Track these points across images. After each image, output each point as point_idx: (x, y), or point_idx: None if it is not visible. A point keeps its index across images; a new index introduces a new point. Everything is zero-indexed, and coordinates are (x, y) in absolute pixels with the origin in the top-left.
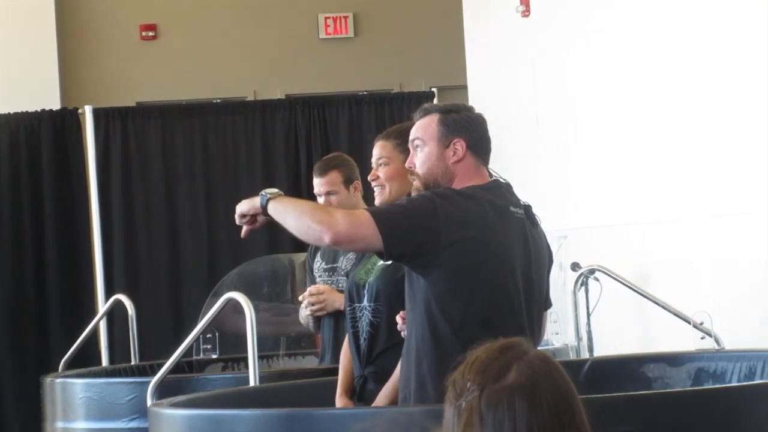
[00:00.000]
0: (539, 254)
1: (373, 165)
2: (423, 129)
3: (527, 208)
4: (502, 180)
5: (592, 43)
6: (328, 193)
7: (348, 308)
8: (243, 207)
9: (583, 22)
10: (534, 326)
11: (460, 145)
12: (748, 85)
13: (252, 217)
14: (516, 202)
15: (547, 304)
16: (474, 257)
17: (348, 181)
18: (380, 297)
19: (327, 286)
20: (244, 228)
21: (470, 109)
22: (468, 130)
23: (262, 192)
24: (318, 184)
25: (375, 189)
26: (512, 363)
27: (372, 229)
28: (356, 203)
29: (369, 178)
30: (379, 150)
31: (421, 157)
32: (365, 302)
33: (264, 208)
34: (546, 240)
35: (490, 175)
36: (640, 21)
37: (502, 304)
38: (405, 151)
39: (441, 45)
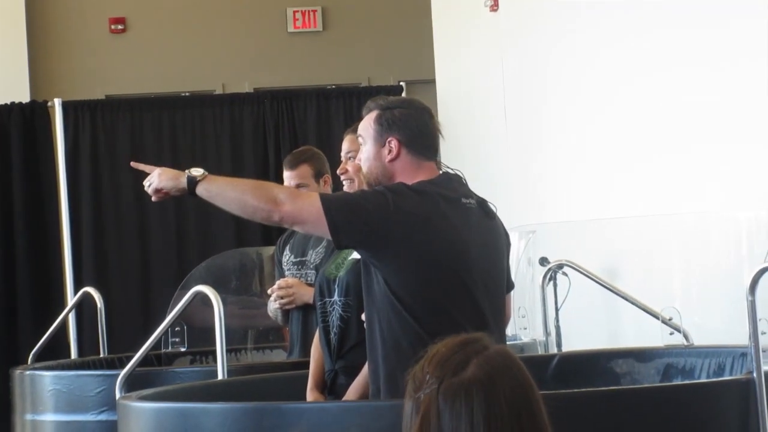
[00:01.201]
0: (496, 243)
1: (342, 158)
2: (364, 127)
3: (481, 201)
4: (451, 171)
5: (560, 38)
6: (298, 186)
7: (318, 302)
8: (164, 183)
9: (551, 16)
10: (496, 313)
11: (394, 144)
12: (716, 80)
13: (166, 193)
14: (467, 193)
15: (509, 286)
16: (427, 248)
17: (318, 175)
18: (350, 291)
19: (296, 279)
20: (154, 197)
21: (409, 104)
22: (402, 127)
23: (188, 173)
24: (288, 177)
25: (344, 183)
26: (471, 357)
27: (318, 214)
28: None
29: (338, 171)
30: (348, 144)
31: (362, 156)
32: (336, 296)
33: (191, 189)
34: (504, 228)
35: (439, 168)
36: (608, 15)
37: (459, 292)
38: None
39: (409, 39)
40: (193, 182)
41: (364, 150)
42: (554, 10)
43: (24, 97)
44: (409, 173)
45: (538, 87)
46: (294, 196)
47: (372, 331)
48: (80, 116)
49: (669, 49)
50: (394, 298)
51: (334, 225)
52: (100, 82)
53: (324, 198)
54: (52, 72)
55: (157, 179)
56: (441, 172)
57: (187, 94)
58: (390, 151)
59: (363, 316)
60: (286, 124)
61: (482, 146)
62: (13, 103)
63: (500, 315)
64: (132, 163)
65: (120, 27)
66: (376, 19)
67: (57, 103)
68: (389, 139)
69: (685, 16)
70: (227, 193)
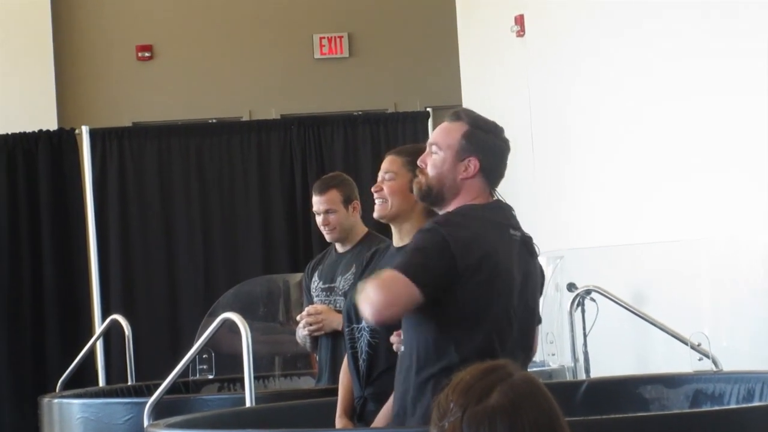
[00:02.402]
0: (534, 279)
1: (379, 177)
2: (444, 135)
3: (527, 238)
4: (503, 202)
5: (586, 63)
6: (327, 211)
7: (346, 329)
8: None
9: (577, 41)
10: (525, 346)
11: (473, 164)
12: (742, 109)
13: None
14: (515, 225)
15: (537, 319)
16: (486, 276)
17: (347, 201)
18: None
19: (324, 306)
20: None
21: (497, 132)
22: (487, 152)
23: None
24: (317, 202)
25: (376, 201)
26: (495, 385)
27: (405, 284)
28: (354, 223)
29: (373, 189)
30: (387, 164)
31: (434, 161)
32: (364, 323)
33: None
34: (540, 267)
35: (493, 197)
36: (635, 42)
37: (504, 322)
38: (413, 170)
39: (436, 65)
40: None
41: (438, 156)
42: (580, 36)
43: (51, 124)
44: (472, 195)
45: (564, 111)
46: (377, 284)
47: (409, 354)
48: (107, 144)
49: (696, 75)
50: (442, 320)
51: (424, 287)
52: (127, 110)
53: (401, 268)
54: (79, 99)
55: None
56: (494, 199)
57: (214, 120)
58: (466, 169)
59: (395, 341)
60: (313, 151)
61: (509, 171)
62: (40, 131)
63: (529, 349)
64: None
65: (147, 54)
66: (402, 45)
67: (84, 130)
68: (470, 159)
69: (710, 43)
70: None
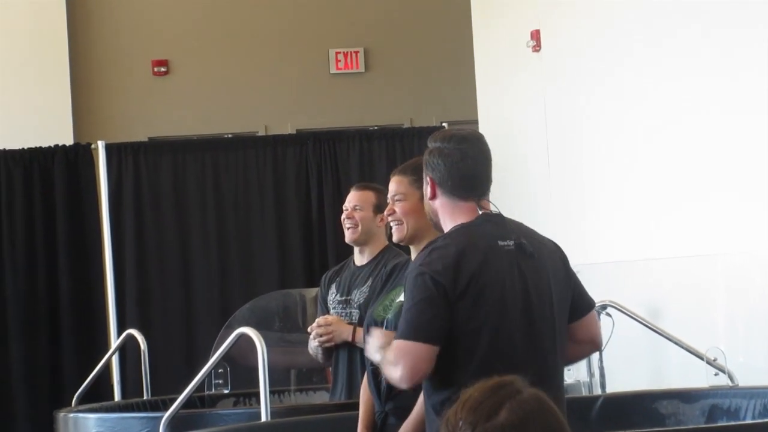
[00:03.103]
0: (538, 282)
1: (389, 200)
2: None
3: (519, 243)
4: (493, 211)
5: (602, 78)
6: (354, 207)
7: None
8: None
9: (593, 56)
10: (543, 351)
11: (430, 184)
12: (758, 126)
13: None
14: (505, 235)
15: (585, 307)
16: (472, 300)
17: (378, 209)
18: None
19: (335, 316)
20: None
21: (452, 141)
22: (435, 167)
23: None
24: (351, 197)
25: (392, 225)
26: (504, 402)
27: (416, 348)
28: (377, 232)
29: (386, 213)
30: (395, 186)
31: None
32: None
33: None
34: (559, 255)
35: (481, 208)
36: (652, 56)
37: (503, 339)
38: (421, 187)
39: (451, 80)
40: None
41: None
42: (596, 51)
43: (68, 139)
44: (448, 213)
45: (580, 127)
46: (392, 358)
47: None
48: (123, 158)
49: (713, 92)
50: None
51: (433, 340)
52: (143, 125)
53: (404, 335)
54: (95, 115)
55: None
56: (481, 212)
57: (229, 135)
58: (428, 192)
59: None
60: (329, 166)
61: (525, 186)
62: (56, 146)
63: (551, 352)
64: None
65: (163, 69)
66: (418, 60)
67: (100, 145)
68: (428, 179)
69: (729, 59)
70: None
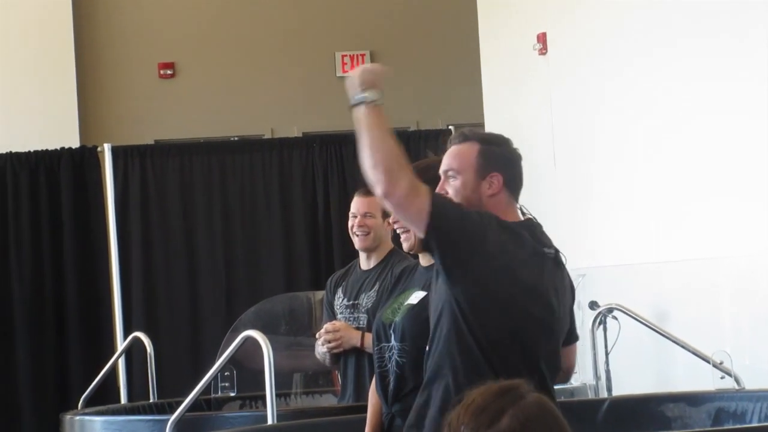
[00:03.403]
0: (564, 294)
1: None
2: (460, 158)
3: (557, 252)
4: (534, 219)
5: (609, 81)
6: (365, 214)
7: (375, 348)
8: (358, 74)
9: (600, 59)
10: (551, 363)
11: (496, 180)
12: (764, 129)
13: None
14: (547, 242)
15: (573, 337)
16: (508, 282)
17: (385, 213)
18: (406, 337)
19: (343, 322)
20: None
21: (509, 144)
22: (506, 166)
23: (367, 92)
24: (359, 203)
25: (400, 233)
26: (507, 408)
27: (424, 210)
28: (385, 237)
29: (391, 219)
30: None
31: (455, 186)
32: (393, 341)
33: (357, 102)
34: (570, 278)
35: (523, 213)
36: (658, 59)
37: (523, 334)
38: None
39: (458, 82)
40: (360, 100)
41: (456, 181)
42: (603, 54)
43: (74, 142)
44: (501, 212)
45: (587, 130)
46: (414, 184)
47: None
48: (130, 161)
49: (719, 95)
50: (462, 320)
51: (433, 227)
52: (149, 127)
53: (435, 195)
54: (101, 117)
55: (359, 72)
56: (524, 218)
57: (236, 138)
58: (491, 186)
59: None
60: (335, 168)
61: (531, 189)
62: (63, 149)
63: (555, 365)
64: None
65: (169, 72)
66: (424, 63)
67: (107, 148)
68: (493, 175)
69: (736, 63)
70: (374, 132)
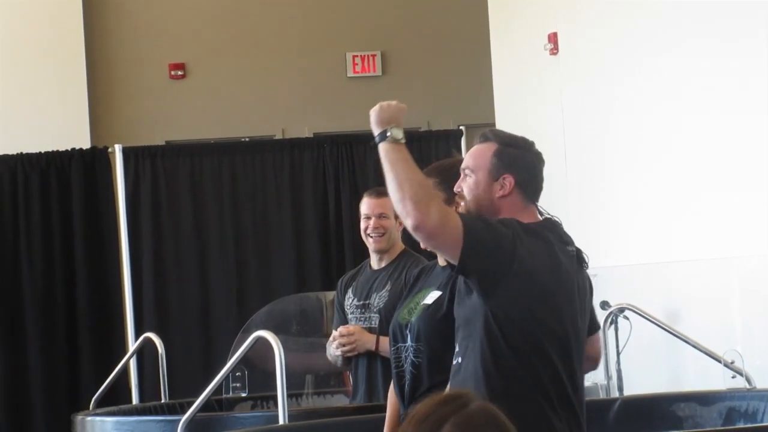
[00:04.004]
0: (585, 291)
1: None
2: (476, 157)
3: (579, 250)
4: (554, 218)
5: (620, 81)
6: (380, 215)
7: (393, 348)
8: (379, 112)
9: (611, 59)
10: (581, 358)
11: (508, 182)
12: None
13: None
14: (569, 240)
15: (595, 325)
16: (540, 288)
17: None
18: (421, 337)
19: (357, 326)
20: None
21: (526, 146)
22: (520, 168)
23: (391, 130)
24: (373, 205)
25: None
26: (448, 417)
27: (457, 237)
28: (397, 238)
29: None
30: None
31: (469, 184)
32: (409, 342)
33: (381, 138)
34: (588, 276)
35: (541, 214)
36: (670, 58)
37: (559, 335)
38: (446, 189)
39: (469, 83)
40: (383, 136)
41: (471, 179)
42: (614, 54)
43: (84, 143)
44: (515, 213)
45: (598, 130)
46: (444, 213)
47: (467, 361)
48: (140, 162)
49: (731, 95)
50: (496, 328)
51: (467, 255)
52: (160, 128)
53: (466, 223)
54: (112, 118)
55: (377, 111)
56: (542, 218)
57: (246, 139)
58: (502, 188)
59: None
60: (346, 169)
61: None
62: (73, 149)
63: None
64: None
65: (180, 73)
66: (435, 64)
67: (117, 149)
68: (505, 176)
69: (748, 60)
70: (398, 166)
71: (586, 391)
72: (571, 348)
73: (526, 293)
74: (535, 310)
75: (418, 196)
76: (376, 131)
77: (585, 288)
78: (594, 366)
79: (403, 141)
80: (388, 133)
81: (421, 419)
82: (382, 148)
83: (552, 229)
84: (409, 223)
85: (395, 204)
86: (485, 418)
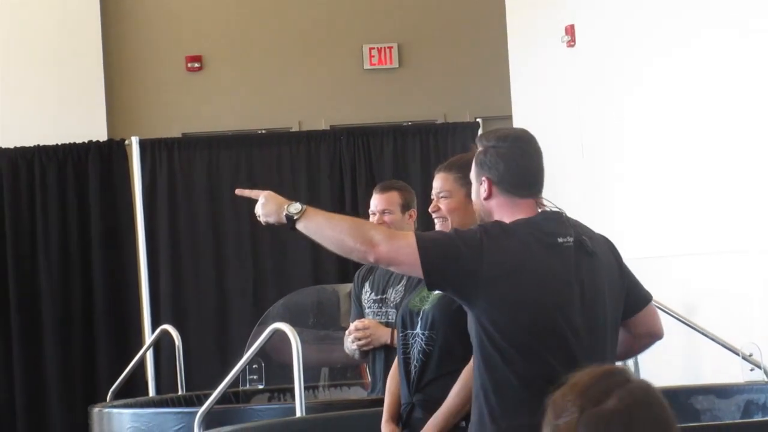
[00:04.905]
0: (596, 280)
1: (434, 197)
2: (470, 166)
3: (580, 241)
4: (553, 209)
5: (638, 73)
6: (383, 211)
7: (400, 334)
8: (266, 217)
9: (628, 52)
10: (596, 352)
11: (485, 184)
12: None
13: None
14: (564, 231)
15: (642, 300)
16: (516, 291)
17: (405, 207)
18: (435, 325)
19: (373, 320)
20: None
21: (507, 141)
22: (492, 167)
23: (287, 209)
24: (377, 200)
25: (436, 221)
26: (613, 389)
27: (413, 255)
28: (408, 230)
29: (430, 209)
30: (440, 182)
31: (472, 194)
32: (418, 329)
33: (291, 224)
34: (612, 252)
35: (540, 206)
36: (686, 51)
37: (551, 335)
38: (466, 184)
39: (486, 75)
40: (291, 220)
41: (469, 188)
42: (631, 46)
43: (101, 135)
44: (505, 211)
45: (615, 122)
46: (390, 236)
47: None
48: (157, 154)
49: (749, 86)
50: (485, 338)
51: (428, 267)
52: (176, 120)
53: (420, 238)
54: (129, 110)
55: (261, 209)
56: (540, 210)
57: (263, 131)
58: (484, 191)
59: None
60: (363, 161)
61: (558, 182)
62: (90, 142)
63: (601, 353)
64: (237, 191)
65: (196, 65)
66: (452, 56)
67: (134, 141)
68: (483, 179)
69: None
70: (325, 231)
71: None
72: (570, 344)
73: (505, 298)
74: (517, 313)
75: (356, 236)
76: (281, 222)
77: (593, 278)
78: (655, 339)
79: (303, 207)
80: (291, 215)
81: (585, 388)
82: (301, 228)
83: (542, 224)
84: (369, 260)
85: (349, 256)
86: (647, 396)
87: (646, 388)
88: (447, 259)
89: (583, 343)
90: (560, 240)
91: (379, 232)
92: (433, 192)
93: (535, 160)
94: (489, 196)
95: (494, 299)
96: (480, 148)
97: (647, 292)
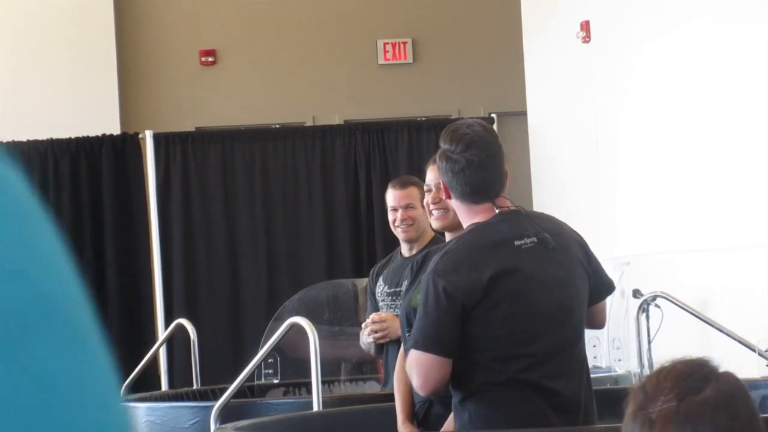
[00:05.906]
0: (561, 276)
1: (431, 188)
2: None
3: (541, 238)
4: (511, 208)
5: (652, 69)
6: (407, 206)
7: (406, 332)
8: None
9: (643, 48)
10: (569, 343)
11: (443, 186)
12: None
13: None
14: (521, 233)
15: (605, 290)
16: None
17: (422, 201)
18: None
19: (389, 313)
20: None
21: (457, 150)
22: (444, 173)
23: None
24: (398, 196)
25: (435, 212)
26: (710, 379)
27: (428, 360)
28: (427, 225)
29: (431, 200)
30: (435, 174)
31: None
32: None
33: None
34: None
35: (498, 206)
36: (701, 47)
37: (524, 333)
38: None
39: (500, 71)
40: None
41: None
42: (647, 42)
43: (115, 129)
44: (463, 214)
45: (629, 118)
46: (405, 370)
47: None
48: (171, 148)
49: (764, 82)
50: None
51: (446, 353)
52: (190, 114)
53: (417, 345)
54: (142, 104)
55: None
56: (497, 212)
57: (277, 126)
58: (443, 192)
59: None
60: (377, 156)
61: (574, 178)
62: (104, 135)
63: (573, 344)
64: None
65: (210, 59)
66: (466, 51)
67: (148, 135)
68: (440, 181)
69: None
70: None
71: (618, 380)
72: (549, 339)
73: (489, 316)
74: (500, 325)
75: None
76: None
77: (559, 274)
78: (597, 329)
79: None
80: None
81: (684, 376)
82: None
83: (496, 228)
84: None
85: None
86: (739, 385)
87: (735, 378)
88: (444, 332)
89: (561, 334)
90: (517, 243)
91: (401, 374)
92: (431, 183)
93: (486, 166)
94: (448, 197)
95: (482, 317)
96: (439, 148)
97: (610, 280)
